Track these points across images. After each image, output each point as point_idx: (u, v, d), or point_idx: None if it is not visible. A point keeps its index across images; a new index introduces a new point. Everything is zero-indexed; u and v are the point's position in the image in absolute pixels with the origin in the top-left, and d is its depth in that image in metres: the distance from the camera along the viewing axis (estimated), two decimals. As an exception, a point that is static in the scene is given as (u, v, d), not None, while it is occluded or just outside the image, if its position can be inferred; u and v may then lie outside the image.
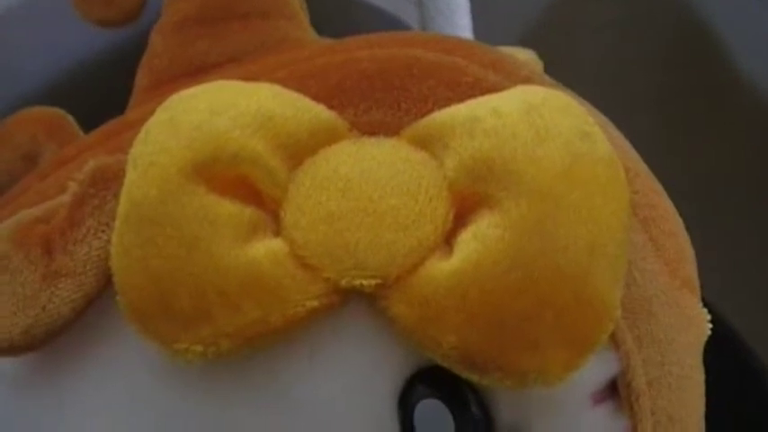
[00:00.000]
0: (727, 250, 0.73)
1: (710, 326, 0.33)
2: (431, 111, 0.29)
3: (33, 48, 0.51)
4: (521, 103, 0.28)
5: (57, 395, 0.30)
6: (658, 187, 0.33)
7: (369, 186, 0.27)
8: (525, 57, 0.39)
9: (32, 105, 0.41)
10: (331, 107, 0.29)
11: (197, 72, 0.35)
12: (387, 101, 0.30)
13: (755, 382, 0.46)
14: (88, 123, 0.38)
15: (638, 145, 0.33)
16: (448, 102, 0.29)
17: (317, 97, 0.29)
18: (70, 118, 0.40)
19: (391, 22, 0.55)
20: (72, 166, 0.33)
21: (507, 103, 0.28)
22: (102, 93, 0.41)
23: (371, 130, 0.29)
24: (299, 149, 0.28)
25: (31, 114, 0.40)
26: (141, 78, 0.37)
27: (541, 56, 0.43)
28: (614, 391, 0.30)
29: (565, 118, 0.28)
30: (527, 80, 0.32)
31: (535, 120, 0.27)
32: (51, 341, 0.29)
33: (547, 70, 0.36)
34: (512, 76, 0.32)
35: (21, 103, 0.41)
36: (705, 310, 0.33)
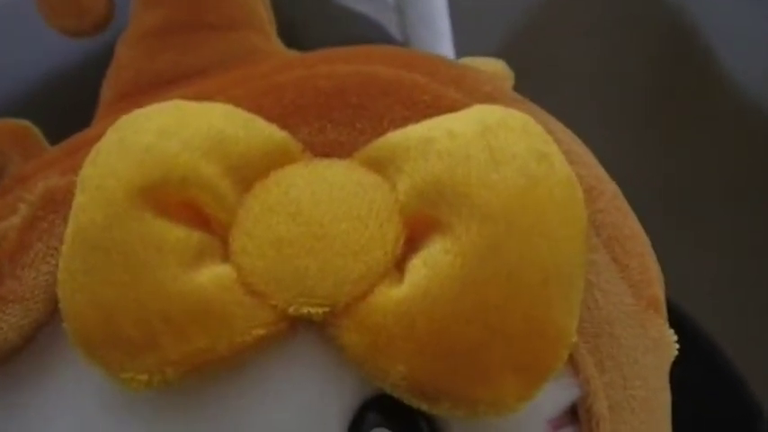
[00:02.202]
0: (715, 252, 0.73)
1: (691, 338, 0.32)
2: (386, 130, 0.28)
3: None
4: (476, 123, 0.27)
5: (7, 421, 0.30)
6: (624, 206, 0.32)
7: (319, 210, 0.27)
8: (493, 68, 0.38)
9: (-1, 117, 0.40)
10: (285, 126, 0.29)
11: (162, 84, 0.34)
12: (342, 120, 0.30)
13: (733, 393, 0.45)
14: (56, 134, 0.37)
15: (626, 148, 0.33)
16: (405, 121, 0.29)
17: (271, 116, 0.29)
18: (36, 129, 0.39)
19: (373, 28, 0.54)
20: (29, 184, 0.32)
21: (462, 124, 0.27)
22: (70, 103, 0.40)
23: (325, 151, 0.29)
24: (251, 171, 0.27)
25: None
26: (107, 90, 0.36)
27: (525, 60, 0.42)
28: (574, 417, 0.30)
29: (521, 139, 0.27)
30: (489, 97, 0.31)
31: (490, 141, 0.27)
32: (0, 367, 0.29)
33: (531, 74, 0.36)
34: (474, 93, 0.31)
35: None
36: (672, 331, 0.32)
